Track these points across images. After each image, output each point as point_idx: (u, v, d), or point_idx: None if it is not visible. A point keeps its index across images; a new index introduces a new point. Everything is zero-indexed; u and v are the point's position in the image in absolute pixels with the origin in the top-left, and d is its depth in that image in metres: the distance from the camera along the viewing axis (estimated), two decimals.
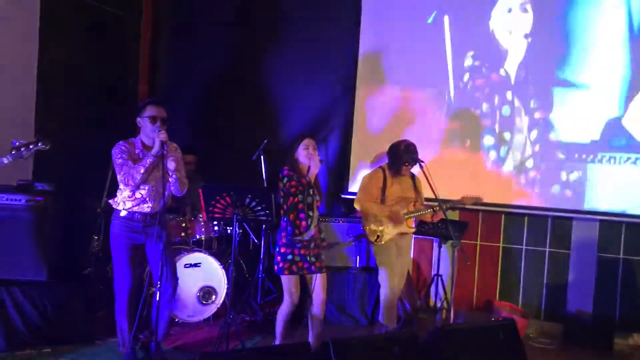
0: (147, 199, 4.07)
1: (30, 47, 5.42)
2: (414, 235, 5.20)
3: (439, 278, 5.46)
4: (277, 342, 4.33)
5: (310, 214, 4.13)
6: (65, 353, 4.35)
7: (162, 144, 3.86)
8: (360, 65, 6.13)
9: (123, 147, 4.03)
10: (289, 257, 4.13)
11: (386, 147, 4.93)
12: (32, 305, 4.42)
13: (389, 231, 4.76)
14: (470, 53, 5.81)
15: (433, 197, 4.64)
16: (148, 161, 3.91)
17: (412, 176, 4.97)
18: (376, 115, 6.10)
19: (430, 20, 5.93)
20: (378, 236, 4.76)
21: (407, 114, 6.01)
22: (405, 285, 5.06)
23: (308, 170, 4.12)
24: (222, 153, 6.34)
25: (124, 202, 4.08)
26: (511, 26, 5.71)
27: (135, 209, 4.07)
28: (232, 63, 6.59)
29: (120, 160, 4.00)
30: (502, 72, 5.72)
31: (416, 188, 4.96)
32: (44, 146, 3.64)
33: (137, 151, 4.07)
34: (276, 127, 6.29)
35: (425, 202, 4.93)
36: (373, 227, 4.78)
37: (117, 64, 6.42)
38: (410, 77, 6.00)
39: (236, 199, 3.90)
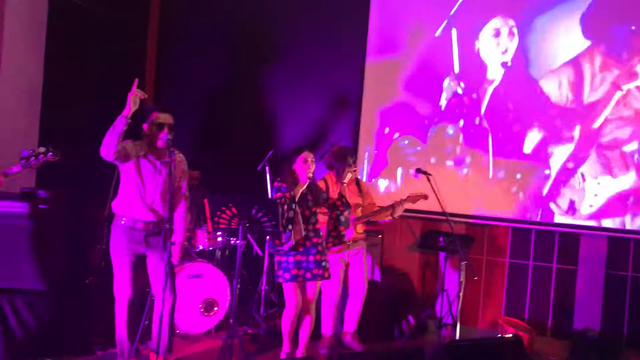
0: (150, 205, 4.01)
1: (36, 59, 5.40)
2: (420, 249, 5.16)
3: (445, 293, 5.39)
4: (285, 348, 4.33)
5: (289, 227, 4.13)
6: None
7: (133, 104, 3.73)
8: (366, 78, 6.12)
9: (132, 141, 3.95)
10: (284, 265, 4.19)
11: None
12: (32, 314, 4.34)
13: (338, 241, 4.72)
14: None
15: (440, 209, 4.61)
16: (119, 121, 3.71)
17: (357, 181, 5.00)
18: (383, 129, 6.08)
19: (438, 33, 5.92)
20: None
21: (411, 127, 6.00)
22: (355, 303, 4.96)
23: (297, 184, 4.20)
24: (226, 164, 6.29)
25: (126, 207, 4.01)
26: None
27: (136, 216, 4.00)
28: (234, 75, 6.57)
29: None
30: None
31: (362, 192, 4.97)
32: (53, 157, 3.60)
33: (143, 152, 4.00)
34: (280, 139, 6.26)
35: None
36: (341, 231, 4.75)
37: (121, 78, 6.39)
38: (417, 90, 5.98)
39: (242, 210, 3.85)
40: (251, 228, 3.93)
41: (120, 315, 4.09)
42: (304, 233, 4.20)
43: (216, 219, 3.90)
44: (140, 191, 3.99)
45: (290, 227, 4.14)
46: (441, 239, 5.47)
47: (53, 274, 4.52)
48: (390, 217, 4.96)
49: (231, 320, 4.12)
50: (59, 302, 4.50)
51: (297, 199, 4.21)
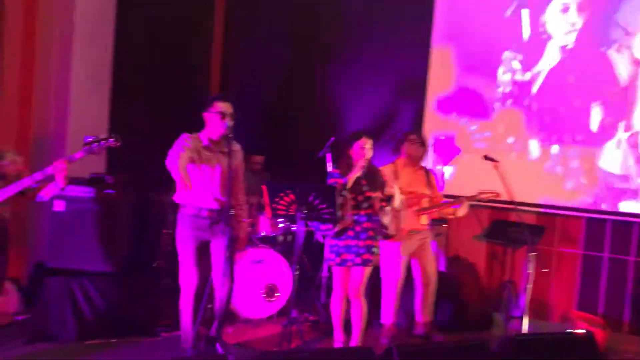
0: (213, 194, 4.05)
1: (105, 47, 5.54)
2: (487, 239, 4.97)
3: (512, 285, 5.18)
4: (338, 337, 4.29)
5: (339, 213, 4.03)
6: (129, 344, 4.40)
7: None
8: (432, 62, 5.94)
9: (185, 140, 3.97)
10: (335, 248, 4.17)
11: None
12: (100, 296, 4.48)
13: (397, 227, 4.55)
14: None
15: (508, 197, 4.41)
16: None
17: (427, 172, 4.84)
18: (446, 116, 5.90)
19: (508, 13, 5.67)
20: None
21: (478, 113, 5.79)
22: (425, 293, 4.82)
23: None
24: (290, 151, 6.29)
25: (190, 196, 4.06)
26: None
27: (201, 205, 4.05)
28: (299, 61, 6.52)
29: (176, 149, 3.95)
30: None
31: (430, 184, 4.80)
32: (115, 142, 3.66)
33: (204, 144, 4.05)
34: (341, 125, 6.18)
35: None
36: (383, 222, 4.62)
37: (190, 59, 6.48)
38: (484, 74, 5.76)
39: (300, 197, 3.81)
40: (309, 215, 3.88)
41: (185, 303, 4.13)
42: (350, 220, 4.14)
43: (274, 205, 3.88)
44: (202, 181, 4.03)
45: (339, 213, 4.05)
46: (509, 229, 5.25)
47: (120, 257, 4.65)
48: (453, 216, 4.83)
49: (293, 310, 4.10)
50: (126, 285, 4.63)
51: (349, 185, 4.12)
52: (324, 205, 3.83)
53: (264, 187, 3.89)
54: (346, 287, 4.24)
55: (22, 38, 5.00)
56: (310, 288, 5.44)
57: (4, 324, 4.58)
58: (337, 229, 4.13)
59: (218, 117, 3.96)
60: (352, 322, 4.32)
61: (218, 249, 4.07)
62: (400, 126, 6.03)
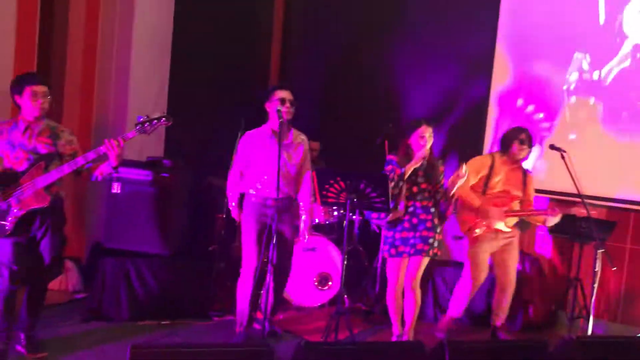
0: (277, 184, 3.99)
1: (165, 30, 5.58)
2: (552, 234, 4.68)
3: (578, 283, 4.88)
4: (395, 330, 4.21)
5: (393, 204, 3.92)
6: (182, 327, 4.43)
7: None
8: (498, 46, 5.65)
9: (248, 139, 4.16)
10: (390, 240, 4.05)
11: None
12: (154, 278, 4.54)
13: (484, 225, 4.35)
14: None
15: (575, 190, 4.13)
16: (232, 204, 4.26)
17: (524, 173, 4.52)
18: (515, 101, 5.61)
19: None
20: (470, 227, 4.36)
21: (546, 100, 5.47)
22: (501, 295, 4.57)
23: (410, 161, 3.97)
24: (346, 138, 6.17)
25: (255, 185, 4.12)
26: None
27: (265, 194, 4.07)
28: (357, 47, 6.36)
29: (236, 156, 4.25)
30: None
31: (525, 185, 4.49)
32: (166, 122, 3.64)
33: (268, 135, 4.11)
34: (401, 112, 5.98)
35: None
36: (465, 217, 4.39)
37: (249, 42, 6.46)
38: (553, 60, 5.43)
39: (350, 185, 3.69)
40: (360, 203, 3.76)
41: (244, 287, 4.15)
42: (402, 212, 4.00)
43: (324, 192, 3.78)
44: (267, 171, 4.04)
45: (392, 204, 3.93)
46: (577, 223, 4.94)
47: (175, 240, 4.69)
48: (542, 223, 4.53)
49: (340, 301, 4.01)
50: (180, 268, 4.66)
51: (406, 176, 3.98)
52: (375, 194, 3.69)
53: (313, 174, 3.80)
54: (400, 279, 4.13)
55: (85, 23, 5.09)
56: (364, 278, 5.32)
57: (64, 301, 4.72)
58: (389, 218, 4.01)
59: (279, 104, 4.00)
60: (405, 314, 4.21)
61: (279, 237, 4.03)
62: (462, 113, 5.79)
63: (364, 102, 6.25)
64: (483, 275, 4.49)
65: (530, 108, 5.56)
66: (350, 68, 6.39)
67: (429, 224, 4.05)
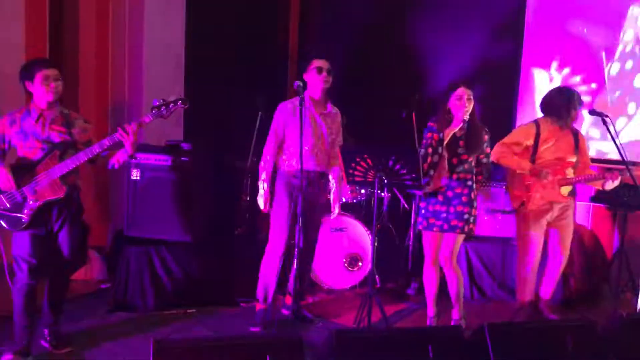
0: (311, 159, 3.97)
1: (178, 7, 5.38)
2: (595, 203, 4.40)
3: (624, 255, 4.61)
4: (429, 311, 4.05)
5: (431, 172, 3.74)
6: (209, 315, 4.31)
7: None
8: (529, 5, 5.35)
9: (281, 111, 4.06)
10: (423, 212, 3.88)
11: None
12: (179, 265, 4.41)
13: (537, 198, 4.05)
14: None
15: (619, 158, 3.84)
16: (264, 187, 4.05)
17: (575, 134, 4.15)
18: (545, 64, 5.30)
19: None
20: (523, 202, 4.07)
21: (584, 62, 5.16)
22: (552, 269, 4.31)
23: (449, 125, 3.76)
24: (373, 110, 5.93)
25: (288, 160, 4.02)
26: None
27: (299, 166, 3.86)
28: (381, 15, 6.11)
29: (271, 130, 4.08)
30: None
31: (579, 149, 4.11)
32: (183, 105, 3.50)
33: (306, 105, 3.95)
34: (429, 82, 5.72)
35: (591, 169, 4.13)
36: (517, 192, 4.11)
37: (267, 21, 6.25)
38: (592, 18, 5.10)
39: (378, 161, 3.47)
40: (389, 181, 3.54)
41: (271, 266, 4.08)
42: (445, 182, 3.79)
43: (351, 170, 3.57)
44: (300, 145, 3.82)
45: (432, 172, 3.74)
46: (621, 191, 4.66)
47: (198, 226, 4.54)
48: (600, 186, 4.11)
49: (371, 283, 3.82)
50: (205, 254, 4.52)
51: (445, 142, 3.76)
52: (405, 170, 3.47)
53: (337, 151, 3.59)
54: (435, 255, 3.94)
55: (97, 8, 4.93)
56: (395, 257, 5.13)
57: (89, 292, 4.64)
58: (428, 190, 3.80)
59: (316, 73, 3.97)
60: (451, 295, 4.02)
61: (307, 215, 3.91)
62: (491, 80, 5.50)
63: (387, 76, 6.00)
64: (539, 252, 4.21)
65: (566, 70, 5.26)
66: (372, 42, 6.14)
67: (464, 199, 3.83)
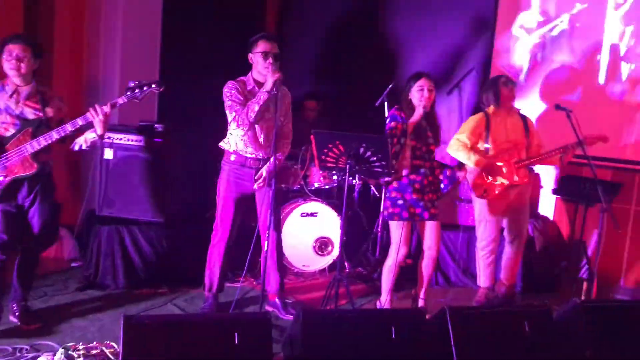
0: (261, 142, 3.88)
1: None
2: (556, 195, 4.55)
3: (582, 245, 4.80)
4: (383, 299, 4.09)
5: (393, 162, 3.77)
6: (179, 295, 4.37)
7: (275, 82, 3.61)
8: None
9: (231, 86, 3.87)
10: (399, 201, 3.88)
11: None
12: (150, 245, 4.46)
13: (498, 184, 4.21)
14: None
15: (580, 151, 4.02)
16: (262, 97, 3.71)
17: (524, 119, 4.38)
18: (518, 56, 5.43)
19: None
20: (485, 190, 4.23)
21: (554, 55, 5.30)
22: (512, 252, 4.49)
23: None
24: (346, 99, 6.01)
25: (235, 144, 3.92)
26: None
27: (247, 153, 3.89)
28: (358, 4, 6.14)
29: (229, 101, 3.84)
30: None
31: (529, 132, 4.34)
32: (157, 88, 3.52)
33: (248, 88, 3.89)
34: (403, 71, 5.79)
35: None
36: (478, 180, 4.26)
37: (244, 7, 6.23)
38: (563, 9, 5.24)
39: (350, 148, 3.56)
40: (359, 168, 3.63)
41: (217, 251, 4.05)
42: (407, 171, 3.86)
43: (323, 157, 3.64)
44: (250, 129, 3.85)
45: (394, 162, 3.79)
46: (581, 185, 4.84)
47: (170, 207, 4.58)
48: (559, 164, 4.37)
49: (338, 263, 3.90)
50: (176, 235, 4.58)
51: (409, 132, 3.83)
52: (375, 158, 3.56)
53: (312, 137, 3.66)
54: (406, 245, 4.00)
55: None
56: (364, 243, 5.24)
57: (60, 270, 4.65)
58: (389, 179, 3.88)
59: (261, 58, 3.79)
60: (422, 278, 4.10)
61: (261, 201, 3.93)
62: (466, 71, 5.62)
63: (362, 61, 6.04)
64: (498, 237, 4.39)
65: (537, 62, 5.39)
66: (349, 29, 6.16)
67: (434, 187, 3.95)
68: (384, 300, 4.08)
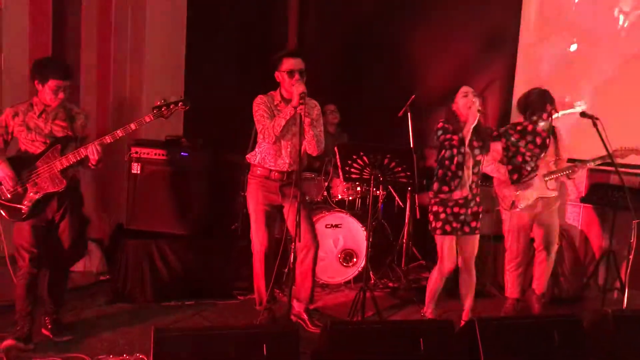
0: (284, 156, 3.92)
1: (180, 6, 5.46)
2: (582, 205, 4.49)
3: (612, 254, 4.72)
4: (426, 311, 4.07)
5: (460, 173, 3.69)
6: (207, 307, 4.39)
7: (300, 96, 3.64)
8: (524, 7, 5.43)
9: (260, 100, 3.92)
10: (442, 215, 3.77)
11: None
12: (177, 258, 4.50)
13: (526, 196, 4.16)
14: None
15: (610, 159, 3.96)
16: (288, 112, 3.74)
17: (552, 130, 4.26)
18: (543, 65, 5.40)
19: None
20: (513, 202, 4.18)
21: (579, 64, 5.25)
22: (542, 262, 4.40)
23: (465, 124, 3.67)
24: (369, 110, 6.02)
25: (261, 157, 3.97)
26: None
27: (272, 166, 3.93)
28: (379, 14, 6.17)
29: (258, 115, 3.89)
30: None
31: (557, 143, 4.24)
32: (184, 107, 3.59)
33: (275, 103, 3.94)
34: (425, 82, 5.80)
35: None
36: (506, 191, 4.21)
37: (265, 19, 6.31)
38: (583, 21, 5.20)
39: (374, 159, 3.56)
40: (384, 179, 3.63)
41: (257, 266, 4.08)
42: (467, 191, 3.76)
43: (347, 168, 3.66)
44: (276, 143, 3.90)
45: (460, 173, 3.67)
46: (610, 193, 4.78)
47: (196, 220, 4.63)
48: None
49: (365, 274, 3.89)
50: (203, 247, 4.62)
51: (467, 141, 3.69)
52: (400, 168, 3.56)
53: (335, 149, 3.67)
54: (451, 259, 3.86)
55: (98, 9, 5.00)
56: (390, 254, 5.23)
57: (89, 283, 4.71)
58: (455, 196, 3.73)
59: (287, 76, 3.82)
60: (462, 295, 4.04)
61: (290, 213, 3.95)
62: (489, 82, 5.60)
63: (386, 72, 6.07)
64: (527, 248, 4.32)
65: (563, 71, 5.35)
66: (370, 39, 6.21)
67: (478, 199, 3.86)
68: (427, 311, 4.07)
